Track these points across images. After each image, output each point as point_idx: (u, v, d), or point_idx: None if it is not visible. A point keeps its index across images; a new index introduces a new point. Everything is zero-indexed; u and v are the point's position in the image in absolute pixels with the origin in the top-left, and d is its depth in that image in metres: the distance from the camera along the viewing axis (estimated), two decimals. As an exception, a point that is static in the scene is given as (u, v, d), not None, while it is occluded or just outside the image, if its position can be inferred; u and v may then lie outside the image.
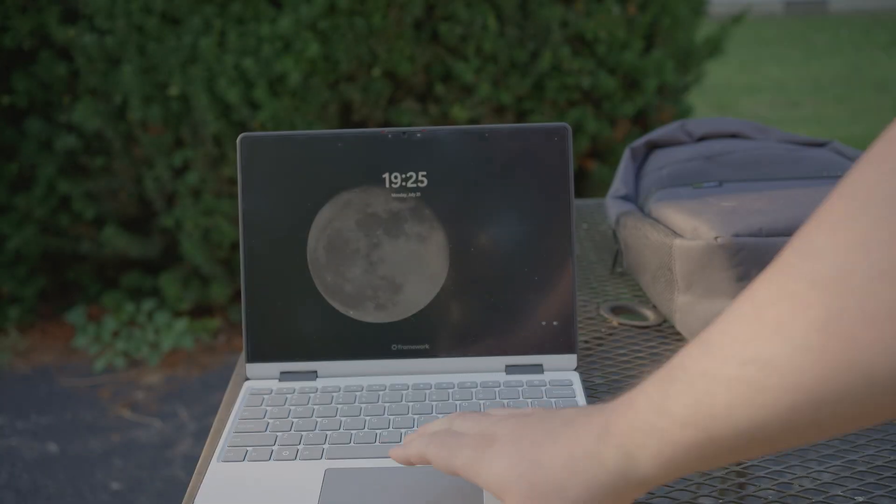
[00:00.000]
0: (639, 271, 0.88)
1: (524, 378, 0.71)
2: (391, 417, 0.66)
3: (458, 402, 0.68)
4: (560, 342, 0.73)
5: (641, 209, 0.93)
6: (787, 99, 6.12)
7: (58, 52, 2.48)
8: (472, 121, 2.43)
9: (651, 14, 2.50)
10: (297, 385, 0.72)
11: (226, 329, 2.78)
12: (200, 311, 2.79)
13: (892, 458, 0.61)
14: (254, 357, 0.73)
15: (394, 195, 0.73)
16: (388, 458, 0.60)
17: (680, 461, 0.40)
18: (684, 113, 2.74)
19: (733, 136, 1.03)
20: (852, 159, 0.94)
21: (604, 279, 0.97)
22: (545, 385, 0.70)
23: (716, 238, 0.74)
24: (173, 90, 2.35)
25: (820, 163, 0.92)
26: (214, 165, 2.45)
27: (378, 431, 0.64)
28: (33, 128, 2.51)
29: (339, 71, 2.34)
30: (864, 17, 10.42)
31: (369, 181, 0.73)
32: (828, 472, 0.59)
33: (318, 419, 0.66)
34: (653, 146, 1.05)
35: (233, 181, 2.45)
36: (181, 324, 2.65)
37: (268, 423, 0.66)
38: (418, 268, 0.73)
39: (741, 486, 0.58)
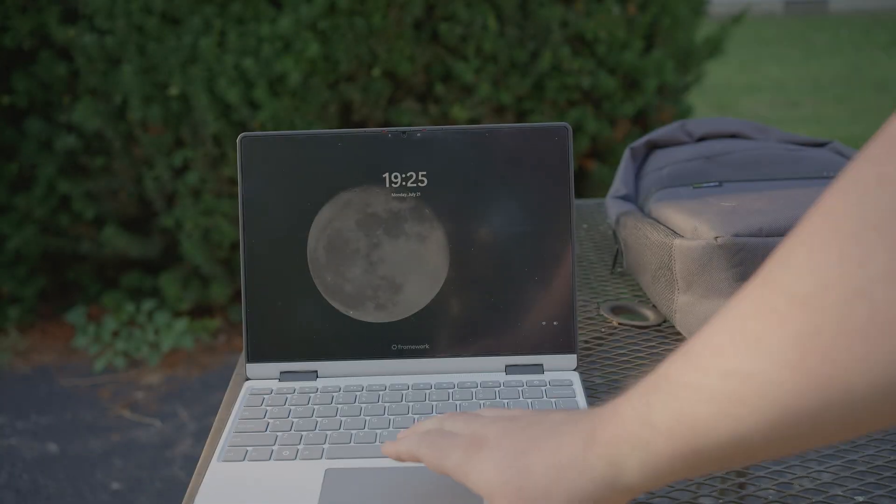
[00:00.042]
0: (639, 271, 0.88)
1: (524, 378, 0.71)
2: (391, 417, 0.66)
3: (458, 402, 0.68)
4: (560, 342, 0.73)
5: (641, 209, 0.93)
6: (787, 99, 6.12)
7: (58, 52, 2.48)
8: (472, 121, 2.43)
9: (651, 14, 2.50)
10: (297, 385, 0.72)
11: (226, 329, 2.78)
12: (200, 311, 2.79)
13: (892, 458, 0.61)
14: (254, 357, 0.73)
15: (394, 195, 0.73)
16: (391, 459, 0.60)
17: (664, 471, 0.41)
18: (684, 113, 2.74)
19: (733, 136, 1.03)
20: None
21: (604, 279, 0.97)
22: (545, 385, 0.70)
23: (716, 238, 0.74)
24: (173, 90, 2.35)
25: (820, 163, 0.92)
26: (214, 165, 2.45)
27: (378, 431, 0.64)
28: (33, 128, 2.51)
29: (339, 71, 2.34)
30: (864, 17, 10.42)
31: (369, 181, 0.73)
32: (828, 472, 0.59)
33: (319, 419, 0.66)
34: (653, 146, 1.05)
35: (233, 181, 2.45)
36: (181, 324, 2.65)
37: (268, 423, 0.66)
38: (418, 268, 0.73)
39: (741, 486, 0.58)
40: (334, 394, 0.70)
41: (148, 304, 2.68)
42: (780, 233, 0.73)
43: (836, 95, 6.13)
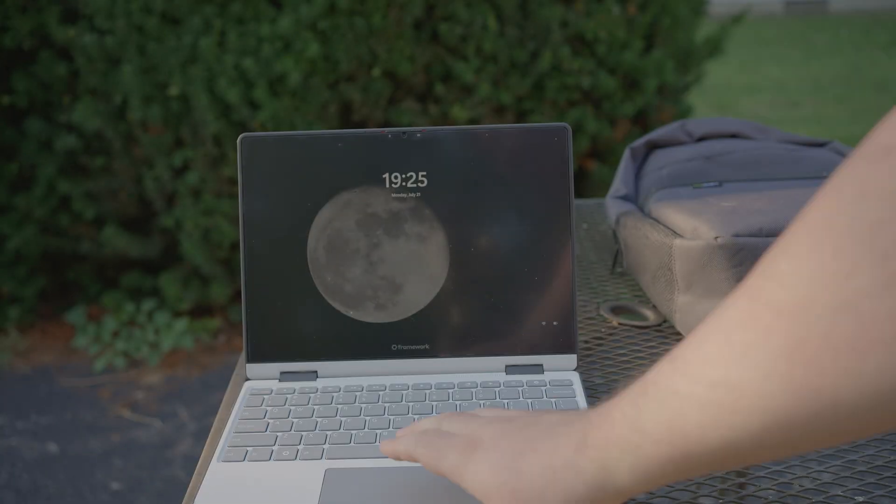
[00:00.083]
0: (639, 271, 0.88)
1: (524, 378, 0.71)
2: (391, 417, 0.66)
3: (458, 402, 0.68)
4: (560, 342, 0.73)
5: (641, 209, 0.93)
6: (787, 99, 6.12)
7: (58, 52, 2.48)
8: (472, 121, 2.43)
9: (651, 14, 2.50)
10: (297, 385, 0.72)
11: (226, 329, 2.78)
12: (200, 311, 2.79)
13: (892, 458, 0.61)
14: (254, 357, 0.73)
15: (394, 195, 0.73)
16: (389, 458, 0.61)
17: (655, 475, 0.41)
18: (684, 113, 2.74)
19: (733, 136, 1.03)
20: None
21: (604, 279, 0.97)
22: (545, 385, 0.70)
23: (716, 238, 0.74)
24: (173, 90, 2.35)
25: (820, 163, 0.92)
26: (214, 165, 2.45)
27: (378, 431, 0.64)
28: (33, 128, 2.51)
29: (339, 71, 2.34)
30: (864, 17, 10.42)
31: (369, 181, 0.73)
32: (828, 472, 0.59)
33: (319, 419, 0.66)
34: (653, 146, 1.05)
35: (233, 181, 2.45)
36: (181, 324, 2.65)
37: (268, 423, 0.66)
38: (418, 268, 0.73)
39: (741, 486, 0.58)
40: (334, 394, 0.70)
41: (148, 304, 2.68)
42: (779, 233, 0.72)
43: (836, 95, 6.13)
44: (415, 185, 0.73)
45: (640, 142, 1.04)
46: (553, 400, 0.68)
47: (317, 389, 0.71)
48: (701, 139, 1.03)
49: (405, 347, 0.73)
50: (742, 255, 0.73)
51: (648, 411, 0.40)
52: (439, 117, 2.42)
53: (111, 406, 2.41)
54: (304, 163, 0.73)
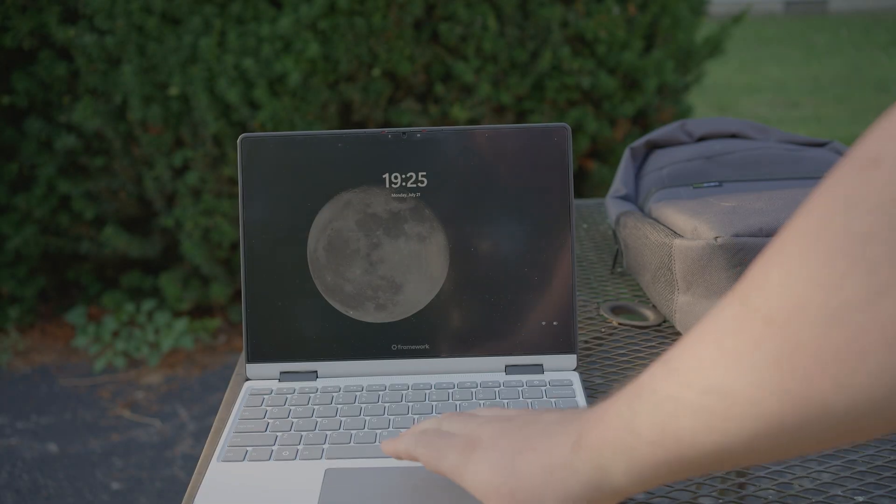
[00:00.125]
0: (639, 271, 0.88)
1: (524, 378, 0.71)
2: (391, 417, 0.66)
3: (458, 402, 0.68)
4: (560, 342, 0.73)
5: (641, 209, 0.93)
6: (787, 99, 6.12)
7: (58, 52, 2.48)
8: (472, 121, 2.43)
9: (651, 14, 2.50)
10: (297, 385, 0.72)
11: (226, 329, 2.78)
12: (200, 311, 2.79)
13: (892, 458, 0.61)
14: (254, 357, 0.73)
15: (394, 195, 0.73)
16: (389, 458, 0.61)
17: (649, 476, 0.42)
18: (684, 113, 2.74)
19: (733, 136, 1.03)
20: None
21: (604, 279, 0.97)
22: (545, 385, 0.70)
23: (716, 238, 0.74)
24: (173, 90, 2.35)
25: (820, 163, 0.92)
26: (214, 165, 2.45)
27: (378, 431, 0.64)
28: (33, 128, 2.51)
29: (339, 71, 2.34)
30: (864, 17, 10.42)
31: (369, 181, 0.73)
32: (828, 472, 0.59)
33: (318, 419, 0.66)
34: (653, 146, 1.05)
35: (233, 181, 2.45)
36: (181, 324, 2.65)
37: (268, 423, 0.66)
38: (418, 268, 0.73)
39: (741, 486, 0.58)
40: (334, 394, 0.70)
41: (148, 304, 2.68)
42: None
43: (836, 95, 6.13)
44: (415, 186, 0.73)
45: (640, 142, 1.04)
46: (553, 400, 0.68)
47: (317, 389, 0.71)
48: (701, 139, 1.03)
49: (405, 347, 0.73)
50: (742, 255, 0.73)
51: (642, 414, 0.41)
52: (439, 117, 2.42)
53: (111, 406, 2.41)
54: (304, 163, 0.73)
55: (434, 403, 0.68)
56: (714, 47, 2.74)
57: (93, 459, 2.15)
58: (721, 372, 0.36)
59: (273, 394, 0.71)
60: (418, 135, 0.73)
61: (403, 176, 0.73)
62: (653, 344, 0.81)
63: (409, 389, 0.70)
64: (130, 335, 2.67)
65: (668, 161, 0.97)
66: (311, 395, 0.70)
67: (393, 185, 0.73)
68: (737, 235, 0.73)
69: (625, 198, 0.97)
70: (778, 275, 0.34)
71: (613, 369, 0.76)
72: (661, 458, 0.40)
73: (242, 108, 2.34)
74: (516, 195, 0.73)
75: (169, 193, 2.55)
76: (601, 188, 2.58)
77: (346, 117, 2.44)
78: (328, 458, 0.62)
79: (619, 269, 0.99)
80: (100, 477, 2.08)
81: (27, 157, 2.55)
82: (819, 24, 10.09)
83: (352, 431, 0.65)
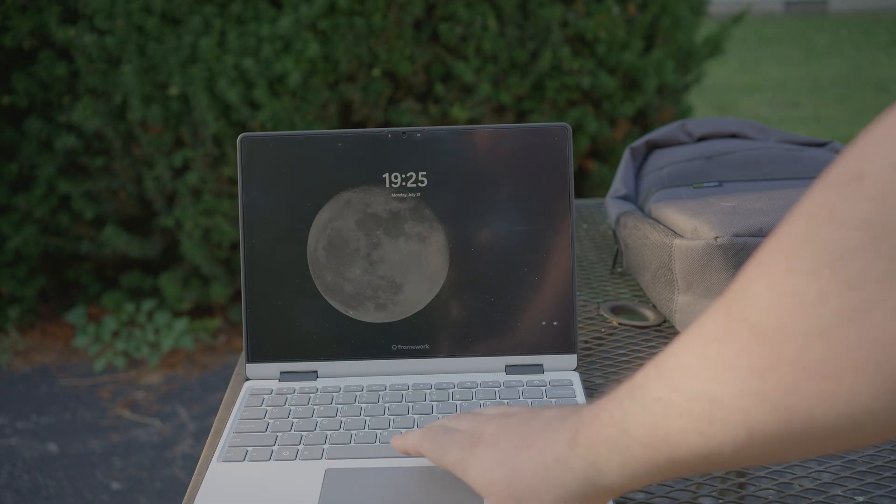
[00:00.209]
0: (639, 271, 0.88)
1: (524, 378, 0.71)
2: (391, 417, 0.66)
3: (458, 402, 0.68)
4: (560, 342, 0.73)
5: (641, 209, 0.93)
6: (787, 99, 6.12)
7: (58, 52, 2.48)
8: (472, 121, 2.43)
9: (651, 14, 2.50)
10: (297, 385, 0.72)
11: (226, 329, 2.78)
12: (200, 311, 2.79)
13: (892, 458, 0.61)
14: (254, 357, 0.73)
15: (394, 195, 0.73)
16: (388, 458, 0.61)
17: (642, 475, 0.42)
18: (684, 113, 2.74)
19: (733, 136, 1.03)
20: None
21: (604, 279, 0.97)
22: (545, 385, 0.70)
23: (716, 238, 0.74)
24: (173, 90, 2.35)
25: (820, 163, 0.92)
26: (214, 165, 2.45)
27: (378, 431, 0.64)
28: (33, 128, 2.51)
29: (339, 71, 2.34)
30: (864, 17, 10.42)
31: (369, 181, 0.73)
32: (828, 472, 0.59)
33: (319, 419, 0.66)
34: (653, 146, 1.05)
35: (233, 181, 2.45)
36: (181, 324, 2.65)
37: (268, 423, 0.66)
38: (418, 268, 0.73)
39: (741, 486, 0.58)
40: (334, 394, 0.70)
41: (148, 304, 2.68)
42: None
43: (836, 95, 6.13)
44: (415, 185, 0.73)
45: (640, 142, 1.04)
46: (553, 400, 0.68)
47: (317, 389, 0.71)
48: (701, 139, 1.03)
49: (405, 347, 0.73)
50: (742, 255, 0.73)
51: (634, 414, 0.41)
52: (439, 117, 2.42)
53: (111, 406, 2.41)
54: (303, 163, 0.73)
55: (434, 403, 0.68)
56: (714, 47, 2.74)
57: (93, 459, 2.15)
58: (708, 378, 0.37)
59: (273, 394, 0.71)
60: (418, 134, 0.73)
61: (403, 176, 0.73)
62: (653, 344, 0.81)
63: (409, 389, 0.70)
64: (130, 335, 2.67)
65: (668, 161, 0.97)
66: (311, 395, 0.70)
67: (393, 185, 0.73)
68: (737, 235, 0.73)
69: (625, 198, 0.97)
70: (763, 286, 0.34)
71: (613, 369, 0.76)
72: (653, 458, 0.41)
73: (242, 108, 2.34)
74: (516, 195, 0.73)
75: (169, 193, 2.55)
76: (601, 188, 2.58)
77: (346, 117, 2.44)
78: (328, 458, 0.62)
79: (619, 269, 0.99)
80: (100, 477, 2.08)
81: (27, 157, 2.55)
82: (819, 24, 10.09)
83: (352, 431, 0.65)
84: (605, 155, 2.61)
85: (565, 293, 0.73)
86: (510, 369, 0.73)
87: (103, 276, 2.80)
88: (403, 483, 0.58)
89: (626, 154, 1.03)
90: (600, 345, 0.81)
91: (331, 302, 0.73)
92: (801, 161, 0.92)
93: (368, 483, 0.59)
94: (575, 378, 0.72)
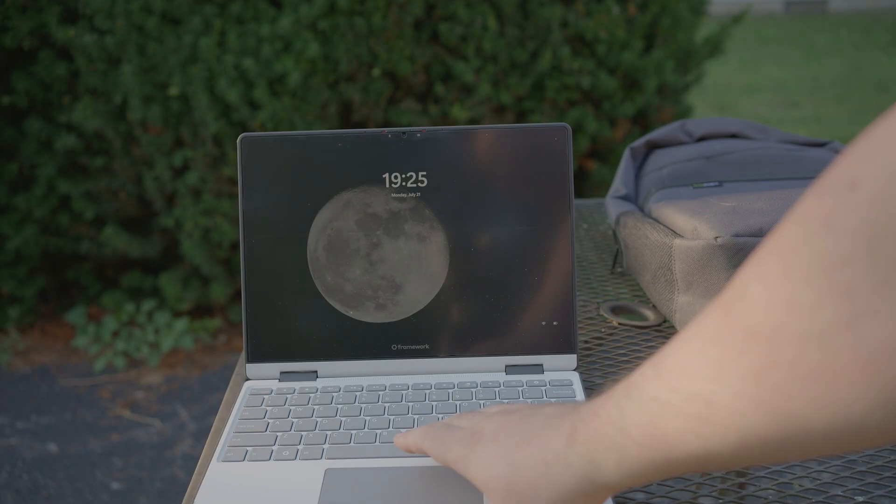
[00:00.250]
0: (639, 271, 0.88)
1: (524, 378, 0.71)
2: (391, 417, 0.66)
3: (458, 402, 0.68)
4: (560, 342, 0.73)
5: (641, 209, 0.93)
6: (787, 99, 6.12)
7: (58, 52, 2.48)
8: (472, 121, 2.43)
9: (651, 14, 2.50)
10: (297, 385, 0.72)
11: (226, 329, 2.78)
12: (200, 311, 2.79)
13: (892, 458, 0.61)
14: (254, 357, 0.73)
15: (394, 195, 0.73)
16: (388, 458, 0.61)
17: (639, 473, 0.42)
18: (684, 113, 2.74)
19: (733, 136, 1.03)
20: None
21: (604, 279, 0.97)
22: (545, 385, 0.70)
23: (716, 238, 0.74)
24: (173, 90, 2.35)
25: (820, 163, 0.92)
26: (214, 165, 2.45)
27: (378, 431, 0.64)
28: (33, 128, 2.51)
29: (339, 71, 2.34)
30: (864, 17, 10.42)
31: (369, 181, 0.73)
32: (828, 472, 0.59)
33: (318, 419, 0.66)
34: (653, 146, 1.05)
35: (233, 181, 2.45)
36: (181, 324, 2.65)
37: (268, 423, 0.66)
38: (418, 268, 0.73)
39: (741, 486, 0.58)
40: (334, 394, 0.70)
41: (148, 304, 2.68)
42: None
43: (836, 95, 6.13)
44: (415, 185, 0.73)
45: (640, 142, 1.04)
46: (553, 400, 0.68)
47: (317, 389, 0.71)
48: (701, 139, 1.03)
49: (405, 347, 0.73)
50: (742, 256, 0.73)
51: (631, 413, 0.41)
52: (439, 117, 2.42)
53: (111, 406, 2.41)
54: (304, 163, 0.73)
55: (434, 403, 0.68)
56: (714, 47, 2.74)
57: (93, 459, 2.15)
58: (704, 380, 0.37)
59: (273, 394, 0.71)
60: (418, 135, 0.73)
61: (403, 176, 0.73)
62: (653, 344, 0.81)
63: (409, 389, 0.70)
64: (130, 335, 2.67)
65: (668, 161, 0.97)
66: (311, 395, 0.70)
67: (393, 185, 0.73)
68: (737, 235, 0.73)
69: (625, 198, 0.97)
70: (759, 290, 0.34)
71: (613, 369, 0.76)
72: (650, 457, 0.41)
73: (242, 108, 2.34)
74: (516, 195, 0.73)
75: (169, 193, 2.55)
76: (601, 188, 2.58)
77: (346, 117, 2.44)
78: (328, 458, 0.62)
79: (619, 269, 0.99)
80: (100, 477, 2.08)
81: (27, 157, 2.55)
82: (819, 24, 10.09)
83: (352, 431, 0.65)
84: (605, 155, 2.61)
85: (565, 293, 0.73)
86: (510, 369, 0.73)
87: (103, 276, 2.80)
88: (403, 483, 0.58)
89: (626, 154, 1.03)
90: (600, 345, 0.81)
91: (331, 302, 0.73)
92: (801, 161, 0.92)
93: (368, 483, 0.59)
94: (575, 378, 0.72)
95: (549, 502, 0.46)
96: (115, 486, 2.05)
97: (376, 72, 2.34)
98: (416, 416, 0.66)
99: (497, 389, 0.70)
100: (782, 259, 0.34)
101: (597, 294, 0.93)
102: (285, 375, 0.73)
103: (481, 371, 0.73)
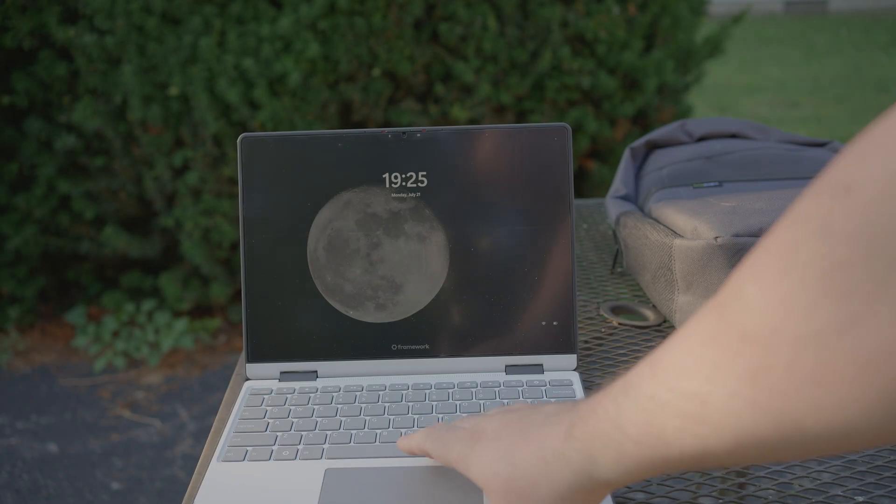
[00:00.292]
0: (639, 271, 0.88)
1: (524, 378, 0.72)
2: (391, 417, 0.66)
3: (458, 402, 0.68)
4: (560, 342, 0.73)
5: (641, 209, 0.93)
6: (787, 99, 6.12)
7: (58, 52, 2.48)
8: (472, 121, 2.43)
9: (651, 14, 2.50)
10: (297, 385, 0.72)
11: (226, 329, 2.78)
12: (200, 311, 2.79)
13: (892, 458, 0.61)
14: (254, 357, 0.73)
15: (394, 195, 0.73)
16: (388, 458, 0.61)
17: (636, 471, 0.42)
18: (684, 113, 2.74)
19: (733, 136, 1.03)
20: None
21: (604, 279, 0.97)
22: (545, 385, 0.70)
23: (716, 238, 0.74)
24: (173, 90, 2.35)
25: (820, 163, 0.92)
26: (214, 165, 2.45)
27: (378, 431, 0.64)
28: (33, 128, 2.51)
29: (339, 71, 2.34)
30: (864, 17, 10.42)
31: (369, 181, 0.73)
32: (828, 472, 0.59)
33: (318, 419, 0.66)
34: (653, 146, 1.05)
35: (233, 181, 2.45)
36: (181, 324, 2.65)
37: (268, 423, 0.66)
38: (418, 268, 0.73)
39: (741, 486, 0.58)
40: (334, 394, 0.70)
41: (148, 304, 2.68)
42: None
43: (836, 95, 6.13)
44: (415, 185, 0.73)
45: (640, 142, 1.04)
46: (553, 400, 0.68)
47: (317, 389, 0.71)
48: (701, 139, 1.03)
49: (405, 347, 0.73)
50: (742, 256, 0.73)
51: (627, 411, 0.41)
52: (439, 117, 2.42)
53: (111, 406, 2.41)
54: (304, 163, 0.73)
55: (434, 403, 0.68)
56: (714, 47, 2.74)
57: (93, 459, 2.15)
58: (699, 379, 0.37)
59: (273, 394, 0.71)
60: (418, 135, 0.73)
61: (403, 176, 0.73)
62: (653, 344, 0.81)
63: (409, 389, 0.70)
64: (130, 335, 2.67)
65: (668, 161, 0.97)
66: (311, 395, 0.70)
67: (393, 185, 0.73)
68: (737, 235, 0.73)
69: (625, 198, 0.97)
70: (754, 291, 0.34)
71: (613, 369, 0.76)
72: (646, 455, 0.41)
73: (242, 108, 2.34)
74: (516, 195, 0.73)
75: (169, 193, 2.55)
76: (601, 188, 2.58)
77: (346, 117, 2.44)
78: (328, 458, 0.62)
79: (619, 269, 0.99)
80: (100, 477, 2.08)
81: (27, 157, 2.55)
82: (819, 24, 10.09)
83: (352, 431, 0.65)
84: (605, 155, 2.61)
85: (565, 293, 0.73)
86: (510, 369, 0.73)
87: (103, 276, 2.80)
88: (403, 483, 0.58)
89: (626, 154, 1.03)
90: (600, 345, 0.81)
91: (331, 302, 0.73)
92: (801, 161, 0.92)
93: (368, 483, 0.59)
94: (575, 378, 0.72)
95: (549, 499, 0.46)
96: (115, 486, 2.05)
97: (376, 72, 2.34)
98: (416, 416, 0.66)
99: (497, 389, 0.70)
100: (778, 260, 0.33)
101: (597, 294, 0.93)
102: (285, 375, 0.73)
103: (481, 371, 0.73)
